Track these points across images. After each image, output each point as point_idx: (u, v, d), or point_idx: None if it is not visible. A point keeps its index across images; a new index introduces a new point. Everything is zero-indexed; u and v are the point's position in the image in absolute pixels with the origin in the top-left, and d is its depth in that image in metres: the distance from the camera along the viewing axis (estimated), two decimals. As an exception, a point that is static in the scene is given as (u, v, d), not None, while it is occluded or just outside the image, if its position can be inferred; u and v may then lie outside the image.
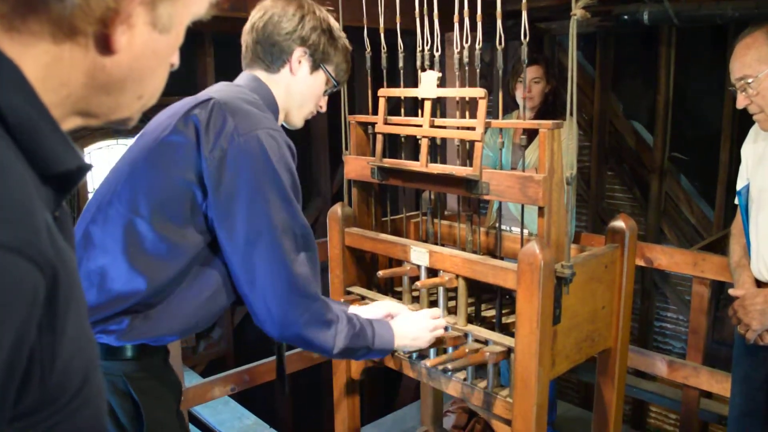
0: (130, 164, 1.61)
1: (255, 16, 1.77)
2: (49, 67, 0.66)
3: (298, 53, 1.76)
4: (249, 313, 1.75)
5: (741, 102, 2.22)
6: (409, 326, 1.92)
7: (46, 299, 0.61)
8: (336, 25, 1.84)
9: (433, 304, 2.19)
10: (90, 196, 5.94)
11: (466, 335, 2.07)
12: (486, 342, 2.02)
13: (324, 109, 1.93)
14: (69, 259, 0.66)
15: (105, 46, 0.68)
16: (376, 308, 2.01)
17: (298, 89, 1.80)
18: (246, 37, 1.79)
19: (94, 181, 5.90)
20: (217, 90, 1.70)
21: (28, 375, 0.62)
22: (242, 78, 1.81)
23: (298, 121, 1.89)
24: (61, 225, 0.73)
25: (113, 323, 1.54)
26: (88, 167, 0.73)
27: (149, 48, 0.73)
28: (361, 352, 1.80)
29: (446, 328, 1.89)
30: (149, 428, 1.58)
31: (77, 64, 0.68)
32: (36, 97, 0.65)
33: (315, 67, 1.79)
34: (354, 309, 1.95)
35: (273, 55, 1.76)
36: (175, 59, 0.80)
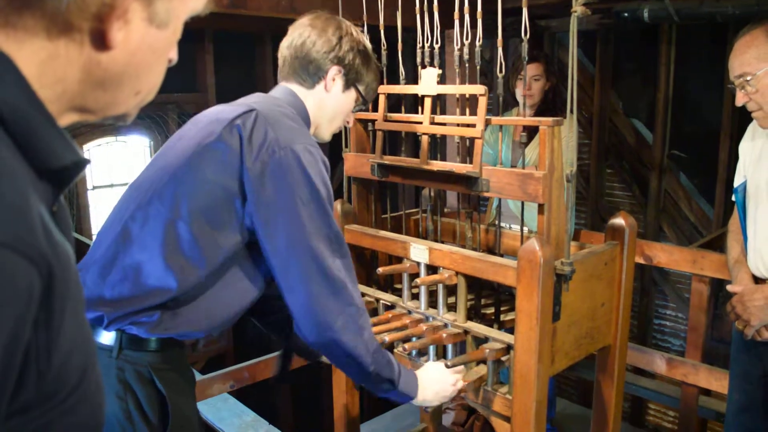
0: (173, 167, 1.66)
1: (294, 33, 1.85)
2: (44, 63, 0.66)
3: (333, 72, 1.83)
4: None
5: (740, 99, 2.22)
6: (434, 380, 1.95)
7: (41, 296, 0.61)
8: (370, 47, 1.92)
9: (433, 300, 2.19)
10: (89, 192, 5.86)
11: (465, 332, 2.07)
12: (486, 339, 2.02)
13: (351, 125, 2.05)
14: (65, 254, 0.66)
15: (101, 41, 0.68)
16: None
17: (331, 105, 1.88)
18: (284, 52, 1.87)
19: (92, 177, 5.90)
20: (256, 101, 1.77)
21: (24, 372, 0.62)
22: (278, 90, 1.88)
23: (326, 135, 1.96)
24: (59, 219, 0.72)
25: (144, 316, 1.61)
26: (85, 162, 0.73)
27: (146, 43, 0.72)
28: (386, 385, 1.83)
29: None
30: (174, 416, 1.64)
31: (73, 60, 0.68)
32: (32, 92, 0.65)
33: (348, 85, 1.88)
34: None
35: (309, 71, 1.83)
36: (173, 55, 0.80)
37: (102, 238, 1.69)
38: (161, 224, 1.61)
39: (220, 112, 1.71)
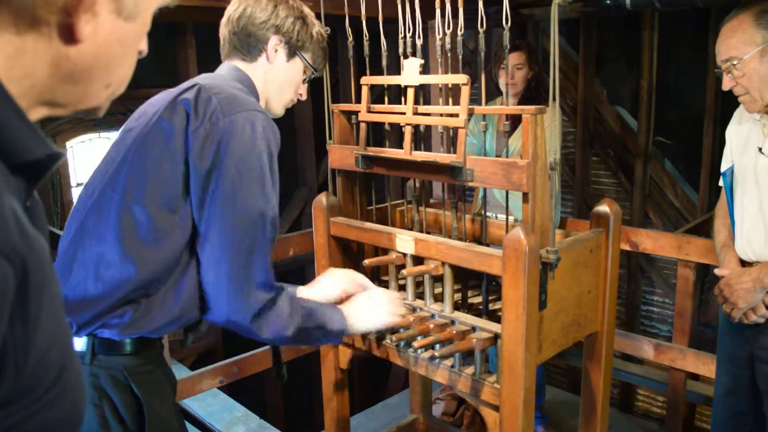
0: (123, 154, 1.62)
1: (230, 9, 1.82)
2: (12, 57, 0.66)
3: (274, 41, 1.80)
4: None
5: (727, 84, 2.23)
6: (364, 306, 1.87)
7: (16, 290, 0.61)
8: (310, 13, 1.88)
9: (420, 292, 2.19)
10: (72, 189, 5.80)
11: (452, 322, 2.07)
12: (473, 329, 2.02)
13: (304, 97, 1.96)
14: (40, 249, 0.65)
15: (69, 35, 0.68)
16: (336, 280, 1.96)
17: (276, 77, 1.84)
18: (223, 30, 1.84)
19: (76, 173, 5.85)
20: (201, 78, 1.73)
21: (2, 367, 0.61)
22: (223, 68, 1.84)
23: (278, 109, 1.92)
24: (33, 215, 0.72)
25: (115, 317, 1.55)
26: (58, 155, 0.72)
27: (115, 36, 0.72)
28: (317, 332, 1.75)
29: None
30: (150, 422, 1.60)
31: (41, 55, 0.68)
32: (1, 87, 0.64)
33: (291, 54, 1.83)
34: (316, 282, 1.94)
35: (249, 45, 1.80)
36: (144, 47, 0.80)
37: (62, 240, 1.64)
38: (115, 211, 1.56)
39: (165, 94, 1.68)
